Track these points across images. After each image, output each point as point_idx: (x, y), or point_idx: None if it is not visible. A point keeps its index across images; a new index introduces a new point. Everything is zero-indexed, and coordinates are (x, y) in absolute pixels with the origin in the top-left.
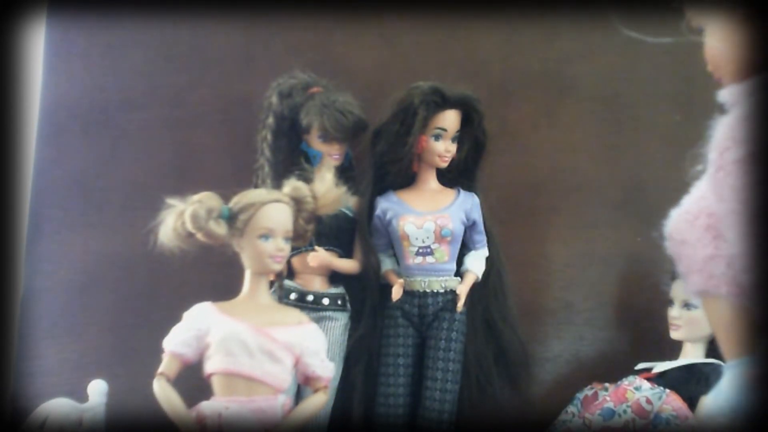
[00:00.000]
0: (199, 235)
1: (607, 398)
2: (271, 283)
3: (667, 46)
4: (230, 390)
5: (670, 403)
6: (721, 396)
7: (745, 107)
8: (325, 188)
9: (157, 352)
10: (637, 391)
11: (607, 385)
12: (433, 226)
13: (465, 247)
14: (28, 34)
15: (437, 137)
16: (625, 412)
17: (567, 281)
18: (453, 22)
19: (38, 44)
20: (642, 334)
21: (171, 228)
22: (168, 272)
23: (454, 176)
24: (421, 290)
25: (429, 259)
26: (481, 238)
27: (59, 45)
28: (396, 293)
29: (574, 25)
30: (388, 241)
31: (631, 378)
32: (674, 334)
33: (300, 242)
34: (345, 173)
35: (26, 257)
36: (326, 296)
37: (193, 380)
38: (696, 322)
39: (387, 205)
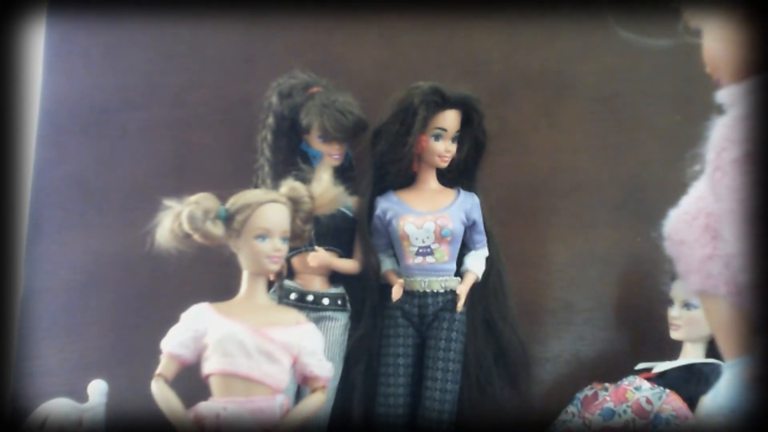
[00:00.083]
0: (196, 236)
1: (607, 398)
2: (272, 283)
3: (667, 46)
4: (228, 390)
5: (670, 403)
6: (719, 396)
7: (742, 107)
8: (323, 188)
9: (157, 353)
10: (637, 391)
11: (607, 385)
12: (433, 226)
13: (465, 247)
14: (28, 34)
15: (437, 137)
16: (625, 412)
17: (567, 281)
18: (453, 22)
19: (38, 44)
20: (642, 334)
21: (168, 229)
22: (168, 272)
23: (454, 176)
24: (421, 290)
25: (429, 259)
26: (481, 238)
27: (59, 45)
28: (396, 293)
29: (574, 25)
30: (388, 241)
31: (631, 378)
32: (674, 334)
33: (298, 242)
34: (345, 173)
35: (26, 257)
36: (326, 296)
37: (191, 381)
38: (696, 322)
39: (387, 205)
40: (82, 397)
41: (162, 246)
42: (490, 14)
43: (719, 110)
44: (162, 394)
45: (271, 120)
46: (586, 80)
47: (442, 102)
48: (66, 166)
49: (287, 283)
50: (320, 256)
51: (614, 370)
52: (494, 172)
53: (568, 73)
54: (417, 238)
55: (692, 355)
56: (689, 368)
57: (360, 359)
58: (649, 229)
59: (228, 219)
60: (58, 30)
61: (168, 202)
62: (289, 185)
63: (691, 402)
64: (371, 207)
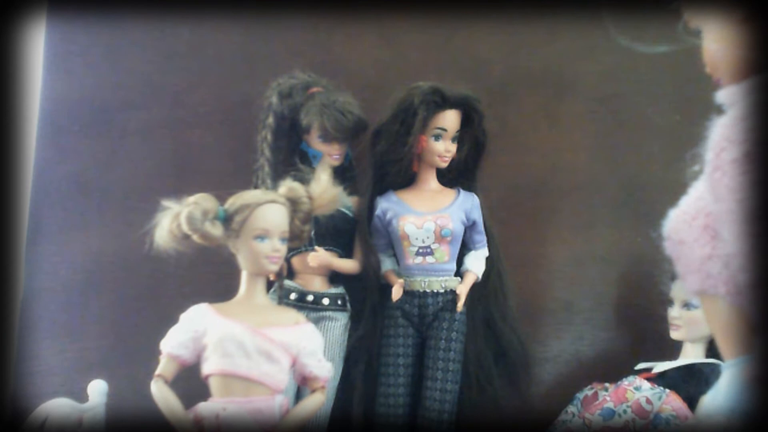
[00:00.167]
0: (195, 237)
1: (607, 398)
2: (271, 284)
3: (663, 52)
4: (228, 391)
5: (670, 403)
6: (719, 395)
7: (742, 108)
8: (321, 188)
9: (156, 353)
10: (637, 391)
11: (607, 385)
12: (433, 226)
13: (465, 247)
14: (28, 34)
15: (437, 137)
16: (625, 412)
17: (567, 281)
18: (453, 22)
19: (38, 44)
20: (642, 334)
21: (167, 230)
22: (168, 272)
23: (454, 176)
24: (421, 290)
25: (429, 259)
26: (481, 238)
27: (59, 45)
28: (396, 293)
29: (574, 25)
30: (388, 241)
31: (631, 378)
32: (674, 334)
33: (297, 243)
34: (345, 173)
35: (26, 257)
36: (326, 296)
37: (191, 381)
38: (696, 322)
39: (387, 205)
40: (82, 397)
41: (161, 247)
42: (491, 14)
43: (719, 110)
44: (161, 395)
45: (271, 120)
46: (586, 80)
47: (442, 102)
48: (66, 166)
49: (287, 283)
50: (320, 257)
51: (614, 370)
52: (494, 172)
53: (568, 73)
54: (417, 238)
55: (692, 355)
56: (689, 368)
57: (360, 359)
58: (649, 229)
59: (227, 220)
60: (58, 30)
61: (166, 202)
62: (288, 186)
63: (691, 402)
64: (371, 207)
